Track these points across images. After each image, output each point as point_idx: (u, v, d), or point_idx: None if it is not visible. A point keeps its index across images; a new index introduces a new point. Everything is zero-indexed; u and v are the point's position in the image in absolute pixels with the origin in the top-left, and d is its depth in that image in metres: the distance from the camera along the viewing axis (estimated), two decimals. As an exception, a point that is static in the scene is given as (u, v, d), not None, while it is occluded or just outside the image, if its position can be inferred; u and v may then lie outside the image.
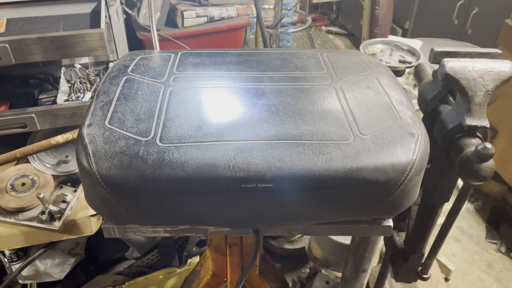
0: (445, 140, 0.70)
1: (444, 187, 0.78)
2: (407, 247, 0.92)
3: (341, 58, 0.83)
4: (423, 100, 0.79)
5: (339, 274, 1.61)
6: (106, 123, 0.62)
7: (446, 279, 1.84)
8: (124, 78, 0.72)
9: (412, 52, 1.16)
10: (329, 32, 4.30)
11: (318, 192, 0.59)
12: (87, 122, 0.63)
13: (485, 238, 2.08)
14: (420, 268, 0.90)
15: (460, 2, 2.34)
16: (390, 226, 0.69)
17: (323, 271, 1.62)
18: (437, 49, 0.72)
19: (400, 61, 1.14)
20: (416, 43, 1.48)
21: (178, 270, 1.46)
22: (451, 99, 0.78)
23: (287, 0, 2.92)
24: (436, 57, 0.72)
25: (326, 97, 0.69)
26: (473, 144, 0.68)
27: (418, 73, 0.88)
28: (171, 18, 1.43)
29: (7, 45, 1.07)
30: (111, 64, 0.78)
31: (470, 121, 0.67)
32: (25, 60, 1.11)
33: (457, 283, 1.83)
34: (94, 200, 0.63)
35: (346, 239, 1.58)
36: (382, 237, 1.38)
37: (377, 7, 1.21)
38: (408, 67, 1.12)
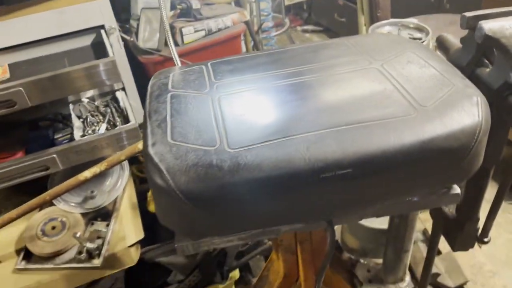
0: (492, 100, 0.71)
1: (494, 148, 0.79)
2: (461, 215, 0.92)
3: (369, 41, 0.84)
4: (457, 67, 0.81)
5: (379, 261, 1.61)
6: (169, 139, 0.62)
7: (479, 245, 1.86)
8: (169, 95, 0.72)
9: (419, 28, 1.18)
10: (305, 31, 4.34)
11: (395, 169, 0.59)
12: (150, 142, 0.62)
13: (505, 200, 2.10)
14: (479, 233, 0.91)
15: (435, -22, 2.40)
16: (458, 193, 0.70)
17: (361, 260, 1.62)
18: (468, 14, 0.74)
19: (410, 38, 1.15)
20: (409, 21, 1.51)
21: (221, 286, 1.44)
22: (486, 61, 0.79)
23: (263, 6, 2.96)
24: (469, 22, 0.74)
25: (373, 79, 0.70)
26: None
27: (442, 44, 0.89)
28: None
29: (21, 89, 1.06)
30: (149, 83, 0.78)
31: (518, 77, 0.69)
32: (41, 101, 1.10)
33: (489, 248, 1.84)
34: (172, 217, 0.62)
35: (381, 224, 1.58)
36: (419, 215, 1.39)
37: (377, -9, 1.24)
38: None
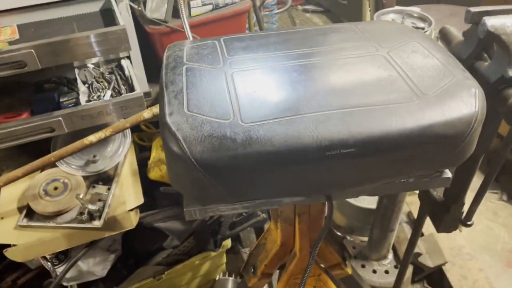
0: (488, 92, 0.76)
1: (485, 138, 0.84)
2: (448, 198, 0.98)
3: (376, 28, 0.87)
4: (458, 59, 0.85)
5: (364, 239, 1.68)
6: (186, 110, 0.65)
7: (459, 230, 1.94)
8: (184, 67, 0.75)
9: (422, 18, 1.21)
10: (306, 10, 4.32)
11: (395, 151, 0.64)
12: (167, 111, 0.65)
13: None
14: (463, 216, 0.96)
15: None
16: (449, 177, 0.75)
17: (348, 237, 1.70)
18: (473, 9, 0.77)
19: (415, 27, 1.19)
20: (412, 10, 1.54)
21: (213, 254, 1.50)
22: (485, 55, 0.83)
23: (267, -18, 2.93)
24: (473, 17, 0.77)
25: (379, 65, 0.74)
26: None
27: (445, 35, 0.93)
28: (176, 9, 1.43)
29: (32, 50, 1.07)
30: (164, 55, 0.80)
31: (512, 73, 0.73)
32: (51, 64, 1.12)
33: (469, 232, 1.93)
34: (184, 183, 0.66)
35: (369, 204, 1.65)
36: (407, 196, 1.45)
37: (385, -22, 1.26)
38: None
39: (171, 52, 0.81)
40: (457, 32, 0.92)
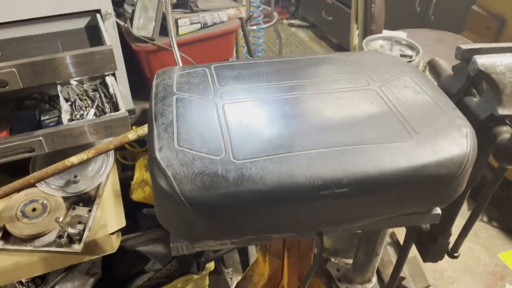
0: (477, 128, 0.76)
1: (474, 173, 0.84)
2: (435, 229, 0.98)
3: (368, 60, 0.87)
4: (446, 93, 0.85)
5: (348, 261, 1.67)
6: (176, 145, 0.63)
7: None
8: (174, 97, 0.73)
9: (410, 46, 1.22)
10: (291, 25, 4.36)
11: (389, 191, 0.63)
12: (157, 146, 0.63)
13: (468, 209, 2.22)
14: (450, 247, 0.97)
15: (422, -10, 2.45)
16: (438, 213, 0.75)
17: (332, 259, 1.68)
18: (464, 47, 0.78)
19: (401, 55, 1.20)
20: (401, 35, 1.56)
21: (196, 276, 1.47)
22: (474, 90, 0.84)
23: (253, -3, 2.94)
24: (464, 54, 0.78)
25: (371, 100, 0.73)
26: (505, 131, 0.75)
27: (434, 68, 0.93)
28: (163, 27, 1.42)
29: (14, 70, 1.04)
30: (153, 83, 0.78)
31: (502, 111, 0.74)
32: (33, 83, 1.08)
33: (451, 254, 1.94)
34: (172, 220, 0.64)
35: (354, 227, 1.64)
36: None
37: (373, 5, 1.27)
38: (409, 61, 1.18)
39: (160, 80, 0.79)
40: (446, 65, 0.92)
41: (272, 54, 3.66)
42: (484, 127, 0.76)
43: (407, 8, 2.74)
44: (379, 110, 0.71)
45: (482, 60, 0.74)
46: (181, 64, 0.94)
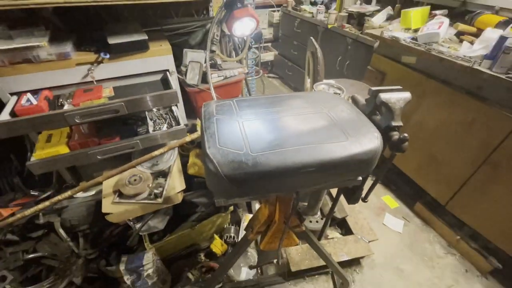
0: (382, 133, 0.73)
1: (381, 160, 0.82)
2: (355, 187, 0.95)
3: (319, 96, 0.83)
4: (363, 113, 0.82)
5: (305, 203, 1.64)
6: (218, 145, 0.59)
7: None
8: (214, 118, 0.69)
9: (339, 88, 1.18)
10: (269, 77, 4.30)
11: (336, 169, 0.60)
12: (207, 146, 0.59)
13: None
14: (363, 196, 0.93)
15: (339, 58, 2.41)
16: (360, 180, 0.71)
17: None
18: (373, 88, 0.74)
19: (334, 93, 1.16)
20: (331, 82, 1.52)
21: (223, 214, 1.43)
22: (377, 112, 0.80)
23: (250, 63, 2.88)
24: (373, 93, 0.74)
25: (324, 119, 0.70)
26: (395, 134, 0.71)
27: (354, 99, 0.89)
28: (204, 78, 1.36)
29: (122, 103, 0.98)
30: (202, 110, 0.73)
31: (395, 123, 0.70)
32: (133, 110, 1.03)
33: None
34: (216, 187, 0.60)
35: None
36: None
37: (319, 65, 1.24)
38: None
39: (205, 108, 0.74)
40: (361, 98, 0.89)
41: (260, 92, 3.61)
42: (385, 132, 0.72)
43: (332, 67, 2.69)
44: (329, 124, 0.67)
45: (384, 96, 0.70)
46: (215, 99, 0.89)
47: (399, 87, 0.75)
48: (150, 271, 1.15)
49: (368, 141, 0.62)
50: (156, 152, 1.10)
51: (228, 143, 0.60)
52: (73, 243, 1.18)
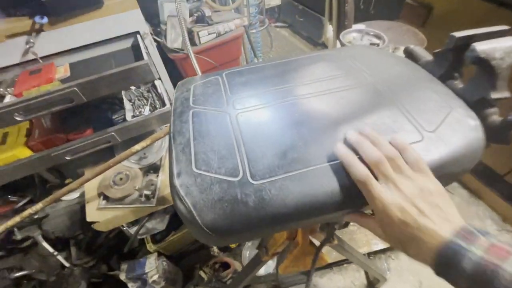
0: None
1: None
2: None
3: (358, 53, 0.53)
4: (429, 77, 0.53)
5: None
6: (194, 168, 0.35)
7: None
8: (191, 112, 0.43)
9: (377, 36, 0.85)
10: (277, 26, 3.74)
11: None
12: (175, 171, 0.35)
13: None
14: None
15: (365, -8, 1.93)
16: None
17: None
18: (457, 34, 0.44)
19: (370, 43, 0.83)
20: (362, 27, 1.16)
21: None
22: (456, 74, 0.51)
23: (252, 10, 2.43)
24: (458, 42, 0.44)
25: (374, 95, 0.42)
26: (493, 113, 0.43)
27: (411, 54, 0.59)
28: (190, 38, 1.05)
29: (76, 89, 0.73)
30: (174, 96, 0.48)
31: (495, 95, 0.42)
32: (94, 97, 0.78)
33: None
34: (199, 237, 0.38)
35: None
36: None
37: (347, 4, 0.89)
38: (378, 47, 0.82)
39: (179, 93, 0.49)
40: (423, 51, 0.58)
41: (266, 47, 3.16)
42: (475, 109, 0.44)
43: (355, 6, 2.20)
44: (384, 106, 0.40)
45: (482, 47, 0.40)
46: (200, 73, 0.62)
47: (503, 26, 0.45)
48: (155, 277, 1.03)
49: (461, 136, 0.35)
50: (137, 147, 0.88)
51: (212, 162, 0.35)
52: (64, 253, 1.06)
